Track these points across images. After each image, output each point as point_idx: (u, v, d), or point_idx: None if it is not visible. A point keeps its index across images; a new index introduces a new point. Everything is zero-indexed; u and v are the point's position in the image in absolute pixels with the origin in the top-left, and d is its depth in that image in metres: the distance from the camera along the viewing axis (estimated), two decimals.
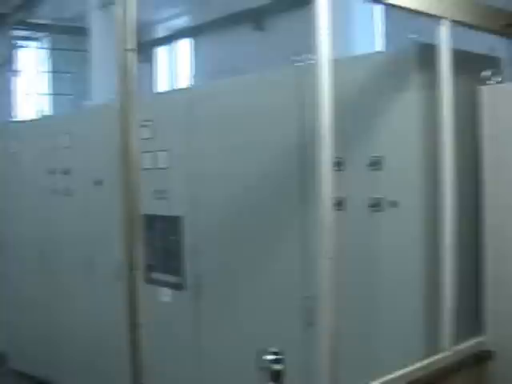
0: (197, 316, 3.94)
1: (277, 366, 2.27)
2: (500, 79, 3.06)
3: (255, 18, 8.70)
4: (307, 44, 2.49)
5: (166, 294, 4.14)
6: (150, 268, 3.88)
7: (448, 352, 2.91)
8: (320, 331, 2.44)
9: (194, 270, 3.95)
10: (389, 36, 5.38)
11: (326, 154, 2.39)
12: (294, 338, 3.28)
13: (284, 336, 3.26)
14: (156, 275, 4.11)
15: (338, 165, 2.79)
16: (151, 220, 3.99)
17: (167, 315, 4.06)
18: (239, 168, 3.65)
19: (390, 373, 2.63)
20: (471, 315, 3.07)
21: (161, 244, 4.13)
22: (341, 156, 2.88)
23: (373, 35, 5.87)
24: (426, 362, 2.81)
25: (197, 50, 11.38)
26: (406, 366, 2.72)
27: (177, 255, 4.04)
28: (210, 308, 3.89)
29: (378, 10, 5.41)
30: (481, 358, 3.04)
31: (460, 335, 2.98)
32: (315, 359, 2.49)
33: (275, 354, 2.28)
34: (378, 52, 4.39)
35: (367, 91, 3.09)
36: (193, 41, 11.59)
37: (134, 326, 2.06)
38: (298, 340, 3.27)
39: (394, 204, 2.96)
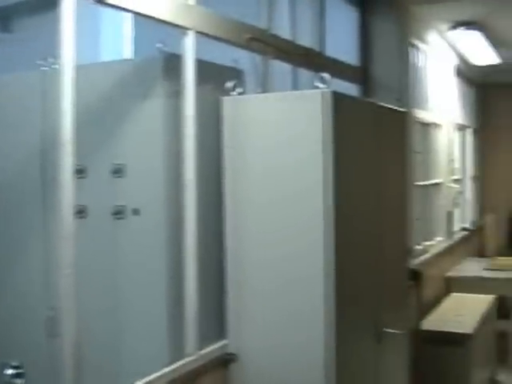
0: None
1: (18, 381, 2.23)
2: (242, 90, 3.26)
3: (1, 19, 8.41)
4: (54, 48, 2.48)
5: None
6: None
7: (193, 357, 3.04)
8: (62, 342, 2.45)
9: None
10: (139, 44, 5.47)
11: (67, 161, 2.40)
12: (38, 350, 3.23)
13: (28, 349, 3.20)
14: None
15: (80, 172, 2.81)
16: None
17: None
18: None
19: (133, 382, 2.69)
20: (217, 319, 3.24)
21: None
22: (83, 163, 2.90)
23: (122, 43, 5.92)
24: (170, 368, 2.90)
25: None
26: (150, 374, 2.79)
27: None
28: None
29: (129, 18, 5.47)
30: (225, 361, 3.21)
31: (206, 340, 3.14)
32: (59, 371, 2.49)
33: (16, 367, 2.24)
34: (126, 59, 4.46)
35: (113, 98, 3.14)
36: None
37: None
38: (42, 352, 3.22)
39: (136, 212, 3.04)
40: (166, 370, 2.88)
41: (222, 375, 3.22)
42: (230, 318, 3.22)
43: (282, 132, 3.08)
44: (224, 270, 3.22)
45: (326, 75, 3.03)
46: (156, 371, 2.81)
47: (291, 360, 3.09)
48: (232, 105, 3.18)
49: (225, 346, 3.22)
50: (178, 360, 2.98)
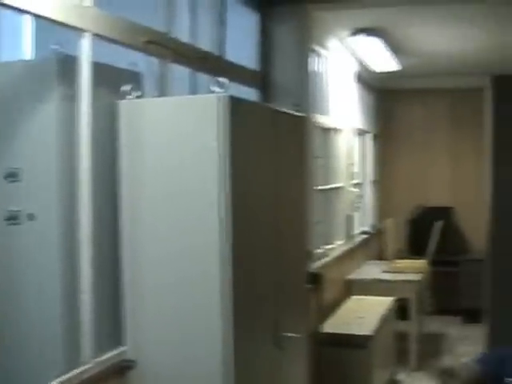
0: None
1: None
2: (139, 94, 3.25)
3: None
4: None
5: None
6: None
7: (89, 365, 3.02)
8: None
9: None
10: (41, 46, 5.38)
11: None
12: None
13: None
14: None
15: None
16: None
17: None
18: None
19: None
20: (114, 326, 3.22)
21: None
22: None
23: (23, 44, 5.78)
24: (66, 376, 2.87)
25: None
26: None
27: None
28: None
29: (30, 18, 5.37)
30: (123, 368, 3.19)
31: (103, 347, 3.12)
32: None
33: None
34: (21, 60, 4.37)
35: (6, 100, 3.08)
36: None
37: None
38: None
39: (31, 217, 2.99)
40: (62, 378, 2.84)
41: (120, 382, 3.20)
42: (127, 324, 3.20)
43: (179, 136, 3.09)
44: (120, 275, 3.20)
45: (223, 79, 3.05)
46: (51, 380, 2.78)
47: (190, 365, 3.10)
48: (128, 108, 3.17)
49: (123, 352, 3.21)
50: (73, 368, 2.95)
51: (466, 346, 8.11)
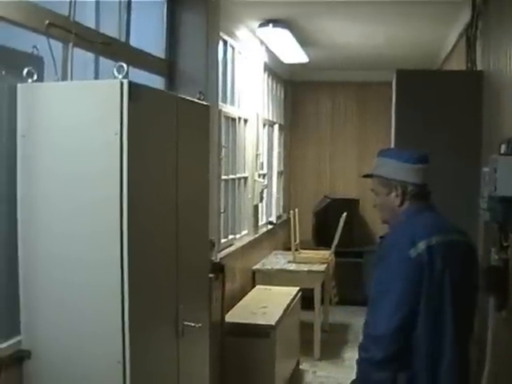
0: None
1: None
2: (38, 77, 3.16)
3: None
4: None
5: None
6: None
7: None
8: None
9: None
10: None
11: None
12: None
13: None
14: None
15: None
16: None
17: None
18: None
19: None
20: (10, 315, 3.16)
21: None
22: None
23: None
24: None
25: None
26: None
27: None
28: None
29: None
30: (19, 359, 3.13)
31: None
32: None
33: None
34: None
35: None
36: None
37: None
38: None
39: None
40: None
41: (15, 373, 3.13)
42: (22, 314, 3.14)
43: (79, 121, 3.04)
44: (17, 264, 3.14)
45: (124, 65, 3.02)
46: None
47: (86, 356, 3.06)
48: (28, 92, 3.09)
49: (18, 342, 3.15)
50: None
51: None
